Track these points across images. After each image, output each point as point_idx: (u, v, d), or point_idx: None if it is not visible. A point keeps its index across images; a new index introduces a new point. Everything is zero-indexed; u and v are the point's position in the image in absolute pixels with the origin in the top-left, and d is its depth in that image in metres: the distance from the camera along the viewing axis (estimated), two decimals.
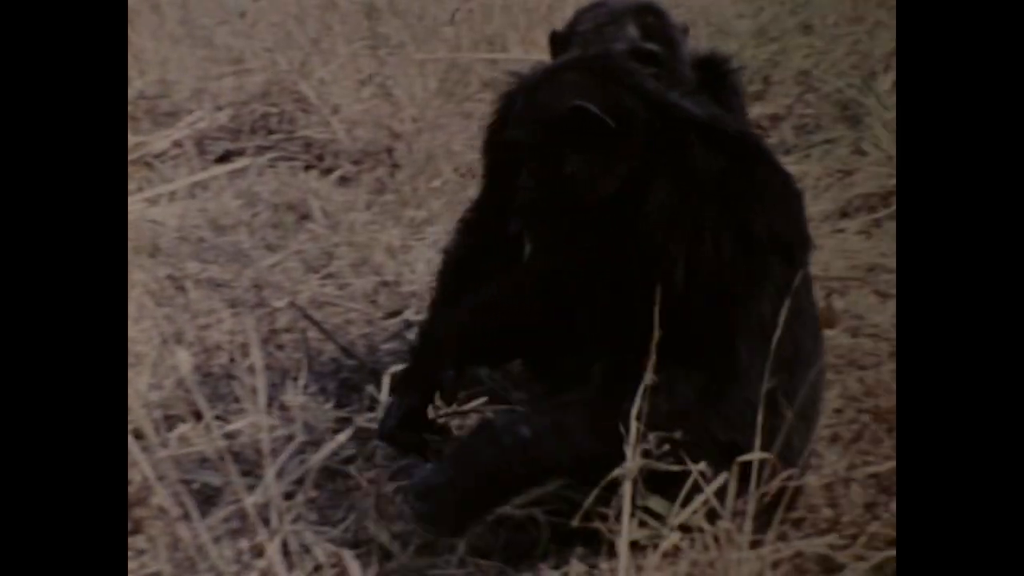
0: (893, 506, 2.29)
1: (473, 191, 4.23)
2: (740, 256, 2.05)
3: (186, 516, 2.06)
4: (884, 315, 3.25)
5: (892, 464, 2.49)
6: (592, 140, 2.15)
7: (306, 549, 2.20)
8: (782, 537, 2.14)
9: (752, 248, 2.06)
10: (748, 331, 2.05)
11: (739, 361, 2.05)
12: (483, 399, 2.69)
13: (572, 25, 2.72)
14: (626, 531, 1.96)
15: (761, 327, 2.05)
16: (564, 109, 2.16)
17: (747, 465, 2.03)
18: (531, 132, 2.21)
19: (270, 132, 4.98)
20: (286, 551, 2.11)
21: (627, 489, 1.95)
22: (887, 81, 5.11)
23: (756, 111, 5.07)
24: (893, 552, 2.17)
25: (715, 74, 2.73)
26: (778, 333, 2.03)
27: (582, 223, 2.19)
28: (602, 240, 2.16)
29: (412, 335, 3.22)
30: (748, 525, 2.03)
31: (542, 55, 5.24)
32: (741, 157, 2.13)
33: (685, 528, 2.03)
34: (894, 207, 4.02)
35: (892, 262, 3.64)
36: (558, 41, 2.71)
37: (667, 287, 2.03)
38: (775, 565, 2.11)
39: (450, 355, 2.42)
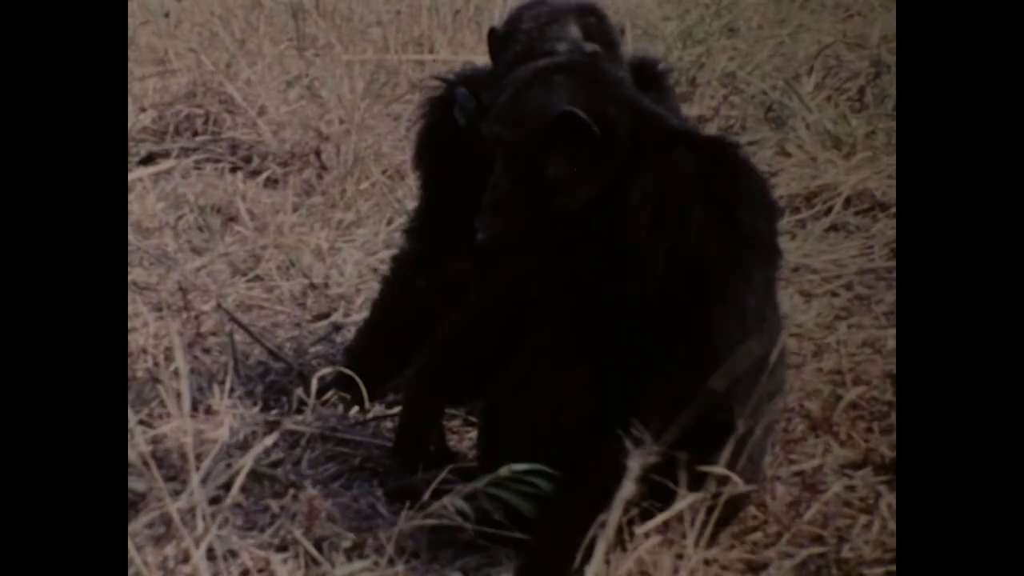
0: (816, 505, 2.32)
1: (402, 192, 4.24)
2: (725, 251, 2.06)
3: None
4: (808, 315, 3.30)
5: (816, 462, 2.52)
6: (576, 147, 2.14)
7: (232, 554, 2.18)
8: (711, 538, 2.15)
9: (737, 244, 2.06)
10: (729, 325, 2.05)
11: (718, 357, 2.05)
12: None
13: (512, 23, 2.71)
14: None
15: (743, 322, 2.06)
16: (552, 113, 2.15)
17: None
18: (516, 131, 2.19)
19: (195, 134, 4.94)
20: (212, 556, 2.09)
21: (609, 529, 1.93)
22: (810, 83, 5.19)
23: (682, 112, 5.11)
24: (817, 549, 2.20)
25: (648, 76, 2.75)
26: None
27: (557, 227, 2.19)
28: (580, 244, 2.16)
29: (341, 337, 3.21)
30: (696, 532, 2.04)
31: (470, 56, 5.25)
32: (722, 161, 2.14)
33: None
34: (818, 207, 4.09)
35: (816, 262, 3.69)
36: (497, 39, 2.71)
37: (648, 283, 2.05)
38: (706, 563, 2.12)
39: (436, 416, 2.45)
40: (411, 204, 3.11)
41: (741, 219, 2.07)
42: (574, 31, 2.61)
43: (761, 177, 2.20)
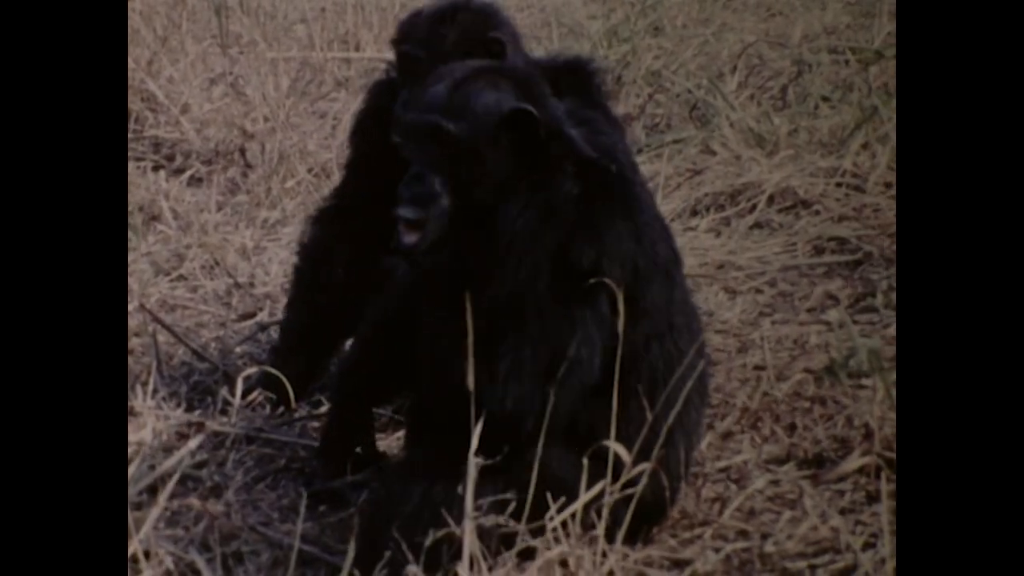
0: (739, 499, 2.35)
1: (328, 191, 4.22)
2: (554, 281, 2.05)
3: None
4: (733, 311, 3.33)
5: (742, 458, 2.55)
6: (520, 146, 2.13)
7: (150, 555, 2.15)
8: (631, 536, 2.16)
9: (571, 278, 2.06)
10: (523, 346, 2.04)
11: (504, 370, 2.05)
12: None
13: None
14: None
15: (549, 350, 2.05)
16: (504, 109, 2.12)
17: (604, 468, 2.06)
18: (459, 124, 2.12)
19: None
20: (135, 559, 2.07)
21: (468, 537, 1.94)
22: (733, 82, 5.23)
23: (612, 112, 5.14)
24: (741, 544, 2.22)
25: (579, 76, 2.75)
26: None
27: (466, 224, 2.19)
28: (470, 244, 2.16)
29: (267, 337, 3.19)
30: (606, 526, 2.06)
31: None
32: (597, 192, 2.12)
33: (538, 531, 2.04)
34: (742, 205, 4.12)
35: (741, 259, 3.73)
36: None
37: (491, 287, 2.05)
38: (624, 556, 2.14)
39: (364, 417, 2.42)
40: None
41: (584, 258, 2.06)
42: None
43: (637, 209, 2.16)
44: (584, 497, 2.04)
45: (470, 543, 1.92)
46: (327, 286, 2.82)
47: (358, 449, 2.43)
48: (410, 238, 2.13)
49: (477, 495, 1.96)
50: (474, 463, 1.95)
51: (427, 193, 2.12)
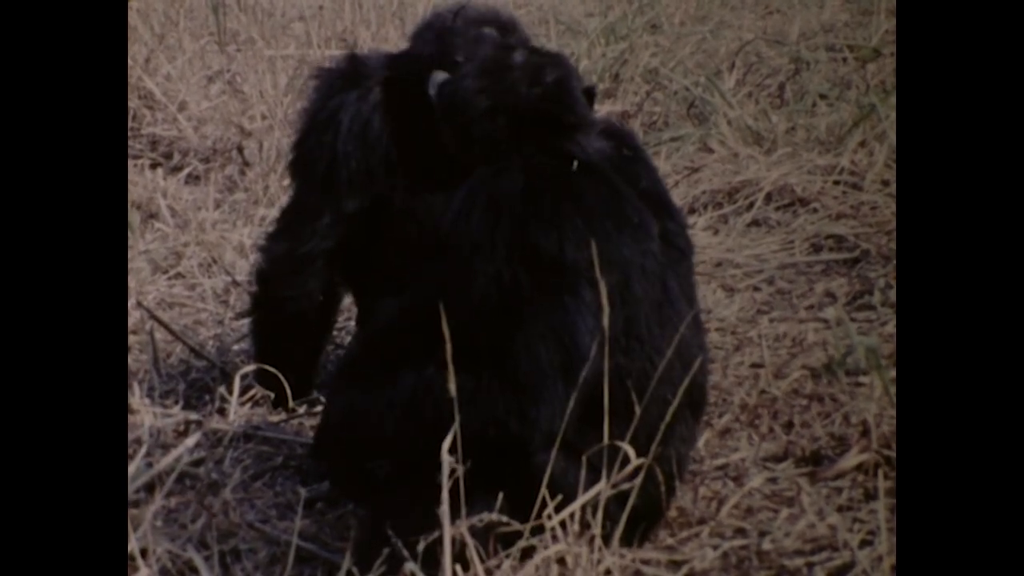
0: (736, 497, 2.35)
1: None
2: (530, 275, 2.02)
3: None
4: (731, 309, 3.33)
5: (741, 455, 2.55)
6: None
7: (147, 553, 2.15)
8: (629, 534, 2.17)
9: (543, 268, 2.03)
10: (535, 345, 2.01)
11: (526, 374, 2.01)
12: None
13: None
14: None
15: (558, 343, 2.02)
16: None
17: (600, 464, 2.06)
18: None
19: None
20: (133, 557, 2.07)
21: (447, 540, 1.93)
22: (731, 80, 5.24)
23: (607, 108, 5.15)
24: (739, 542, 2.23)
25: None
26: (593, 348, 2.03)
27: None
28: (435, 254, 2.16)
29: None
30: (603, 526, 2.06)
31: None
32: (548, 181, 2.10)
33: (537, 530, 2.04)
34: (739, 203, 4.13)
35: (738, 257, 3.73)
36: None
37: (464, 299, 2.03)
38: (621, 555, 2.14)
39: None
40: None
41: (549, 246, 2.03)
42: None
43: (583, 196, 2.12)
44: (583, 498, 2.04)
45: (460, 543, 1.92)
46: (312, 300, 2.82)
47: None
48: None
49: (474, 500, 1.97)
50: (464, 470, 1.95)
51: None
